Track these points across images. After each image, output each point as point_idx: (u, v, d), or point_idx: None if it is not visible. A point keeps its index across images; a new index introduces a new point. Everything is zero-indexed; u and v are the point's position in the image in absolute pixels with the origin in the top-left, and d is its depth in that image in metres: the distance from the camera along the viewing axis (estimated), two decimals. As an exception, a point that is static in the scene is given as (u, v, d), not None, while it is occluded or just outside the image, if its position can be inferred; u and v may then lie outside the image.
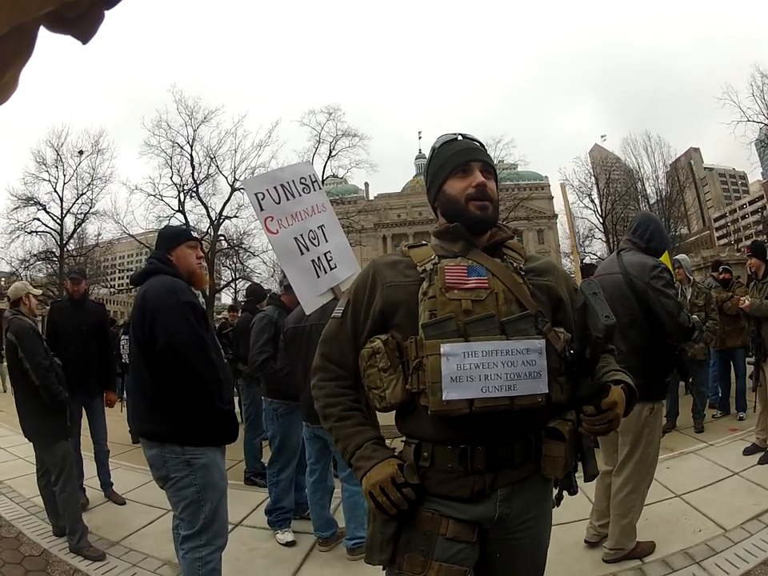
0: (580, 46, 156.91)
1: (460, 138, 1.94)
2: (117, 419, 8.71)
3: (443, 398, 1.62)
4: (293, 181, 3.90)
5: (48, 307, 6.48)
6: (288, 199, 3.83)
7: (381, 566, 1.78)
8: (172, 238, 3.36)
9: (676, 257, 7.92)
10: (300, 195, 3.91)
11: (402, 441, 1.85)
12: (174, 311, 2.97)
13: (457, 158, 1.87)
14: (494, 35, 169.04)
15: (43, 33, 0.53)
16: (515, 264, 1.83)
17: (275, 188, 3.79)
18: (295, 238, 3.78)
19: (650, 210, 38.43)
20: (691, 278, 7.49)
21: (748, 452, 5.65)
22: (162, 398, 2.96)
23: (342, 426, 1.81)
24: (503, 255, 1.87)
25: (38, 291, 5.34)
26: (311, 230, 3.89)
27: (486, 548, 1.77)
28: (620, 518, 3.76)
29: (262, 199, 3.71)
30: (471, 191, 1.82)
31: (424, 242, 1.97)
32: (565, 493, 1.86)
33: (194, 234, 3.48)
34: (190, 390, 2.93)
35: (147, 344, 2.99)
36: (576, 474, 1.85)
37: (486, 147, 2.00)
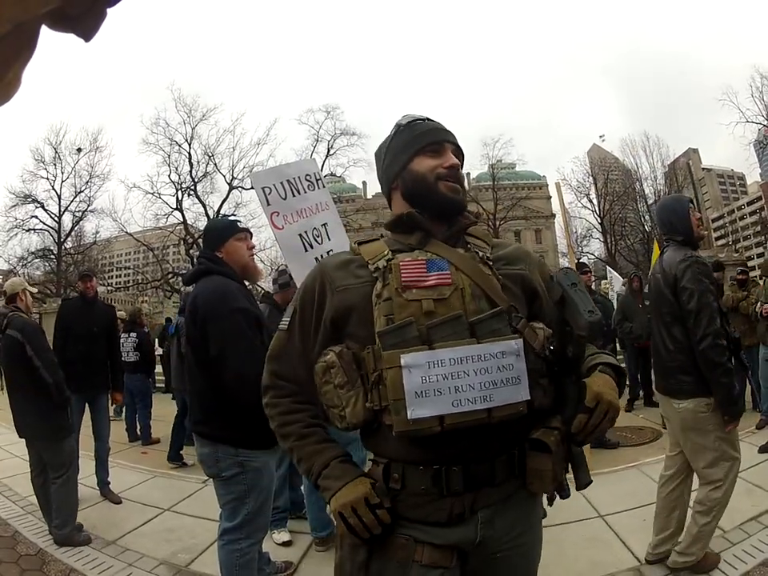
0: (598, 40, 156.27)
1: (428, 120, 1.76)
2: (113, 418, 8.73)
3: (409, 417, 1.42)
4: (299, 177, 3.90)
5: (44, 305, 6.50)
6: (294, 195, 3.83)
7: None
8: (219, 233, 3.27)
9: None
10: (305, 192, 3.91)
11: (370, 459, 1.66)
12: (224, 319, 2.92)
13: (429, 135, 1.69)
14: (507, 31, 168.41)
15: (45, 31, 0.52)
16: (481, 253, 1.63)
17: (282, 183, 3.78)
18: (300, 235, 3.78)
19: (653, 206, 38.53)
20: None
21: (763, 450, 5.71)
22: (217, 403, 2.95)
23: (303, 445, 1.63)
24: (467, 244, 1.68)
25: (34, 289, 5.31)
26: (315, 228, 3.89)
27: (467, 570, 1.60)
28: (701, 515, 3.48)
29: (269, 194, 3.70)
30: (442, 170, 1.64)
31: (376, 237, 1.77)
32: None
33: (242, 225, 3.37)
34: (246, 397, 2.84)
35: (200, 351, 2.97)
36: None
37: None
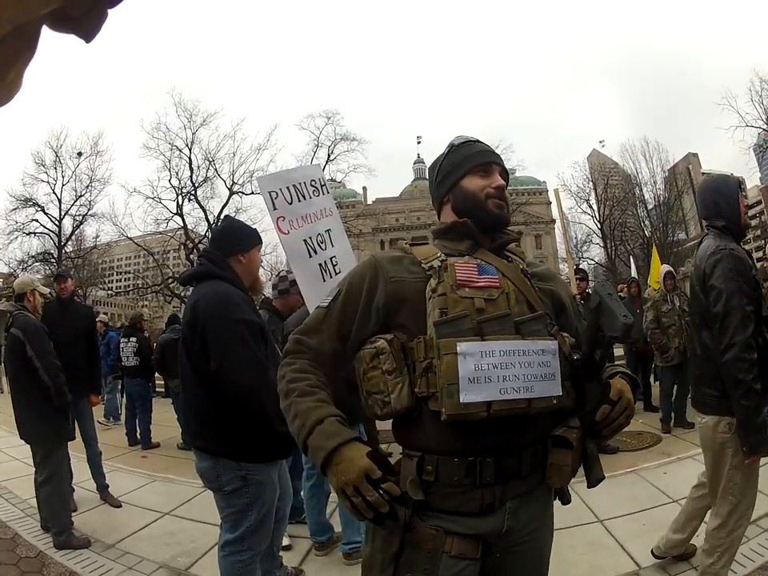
0: (598, 40, 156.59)
1: (478, 141, 1.93)
2: (112, 424, 8.72)
3: (461, 400, 1.51)
4: (304, 182, 3.90)
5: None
6: (299, 200, 3.82)
7: None
8: (247, 238, 3.18)
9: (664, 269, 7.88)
10: (310, 197, 3.90)
11: (400, 453, 1.70)
12: (227, 330, 2.80)
13: (480, 156, 1.86)
14: (507, 32, 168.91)
15: (46, 32, 0.53)
16: (521, 266, 1.82)
17: (288, 188, 3.77)
18: (305, 240, 3.77)
19: (653, 211, 38.59)
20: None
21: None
22: (216, 415, 2.84)
23: (302, 401, 1.61)
24: (507, 257, 1.84)
25: (46, 290, 5.19)
26: (319, 234, 3.89)
27: (488, 562, 1.66)
28: (705, 555, 3.15)
29: (276, 198, 3.69)
30: (491, 190, 1.81)
31: (425, 242, 1.90)
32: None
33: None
34: (248, 412, 2.79)
35: (200, 361, 2.85)
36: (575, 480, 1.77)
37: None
